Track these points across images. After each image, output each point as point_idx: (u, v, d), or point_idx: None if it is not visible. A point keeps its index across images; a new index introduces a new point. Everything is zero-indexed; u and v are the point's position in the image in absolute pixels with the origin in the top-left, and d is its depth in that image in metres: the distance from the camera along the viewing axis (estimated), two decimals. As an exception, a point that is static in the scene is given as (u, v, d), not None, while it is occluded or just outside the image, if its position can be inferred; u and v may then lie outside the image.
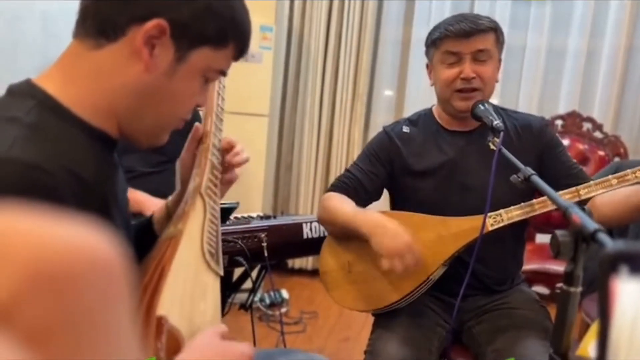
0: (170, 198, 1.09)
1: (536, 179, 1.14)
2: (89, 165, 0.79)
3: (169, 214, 1.05)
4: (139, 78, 0.80)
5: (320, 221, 1.65)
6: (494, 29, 1.51)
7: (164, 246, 0.84)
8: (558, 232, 0.86)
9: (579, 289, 0.86)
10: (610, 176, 1.37)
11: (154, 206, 1.19)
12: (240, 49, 0.88)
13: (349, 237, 1.54)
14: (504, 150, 1.30)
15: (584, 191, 1.38)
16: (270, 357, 1.36)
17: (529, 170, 1.16)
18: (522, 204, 1.42)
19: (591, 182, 1.39)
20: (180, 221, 0.87)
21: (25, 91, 0.79)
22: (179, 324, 0.79)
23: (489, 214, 1.42)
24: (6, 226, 0.30)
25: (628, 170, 1.37)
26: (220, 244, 0.96)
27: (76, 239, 0.31)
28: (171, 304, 0.78)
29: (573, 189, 1.40)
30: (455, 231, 1.45)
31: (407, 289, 1.48)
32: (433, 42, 1.54)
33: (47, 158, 0.72)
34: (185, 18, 0.79)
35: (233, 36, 0.85)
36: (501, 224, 1.42)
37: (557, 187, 1.41)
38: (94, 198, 0.79)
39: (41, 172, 0.70)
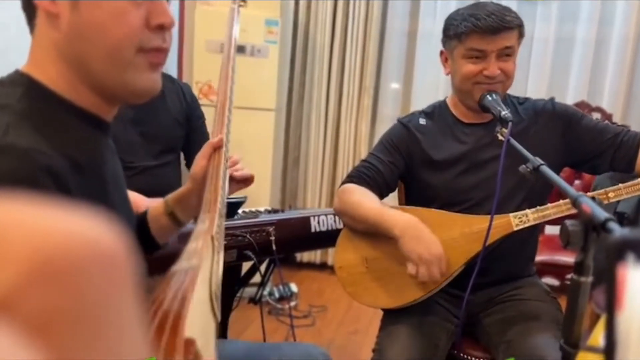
0: (170, 195, 1.09)
1: (545, 169, 1.12)
2: (84, 149, 0.78)
3: (169, 211, 1.07)
4: (59, 31, 0.77)
5: (338, 214, 1.59)
6: (520, 26, 1.48)
7: (181, 276, 0.83)
8: (568, 222, 0.85)
9: (590, 279, 0.85)
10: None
11: (145, 207, 1.20)
12: None
13: (366, 232, 1.51)
14: (513, 141, 1.29)
15: (612, 194, 1.38)
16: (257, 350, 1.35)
17: (538, 161, 1.14)
18: (549, 204, 1.41)
19: (620, 185, 1.38)
20: (194, 257, 0.86)
21: (14, 80, 0.79)
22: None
23: (514, 214, 1.42)
24: (7, 217, 0.30)
25: None
26: (220, 289, 0.97)
27: (78, 229, 0.30)
28: (193, 331, 0.77)
29: (602, 190, 1.39)
30: (478, 229, 1.43)
31: (428, 288, 1.45)
32: (457, 35, 1.48)
33: (42, 143, 0.70)
34: None
35: None
36: (527, 224, 1.41)
37: (604, 149, 1.50)
38: (92, 183, 0.78)
39: (40, 156, 0.68)
